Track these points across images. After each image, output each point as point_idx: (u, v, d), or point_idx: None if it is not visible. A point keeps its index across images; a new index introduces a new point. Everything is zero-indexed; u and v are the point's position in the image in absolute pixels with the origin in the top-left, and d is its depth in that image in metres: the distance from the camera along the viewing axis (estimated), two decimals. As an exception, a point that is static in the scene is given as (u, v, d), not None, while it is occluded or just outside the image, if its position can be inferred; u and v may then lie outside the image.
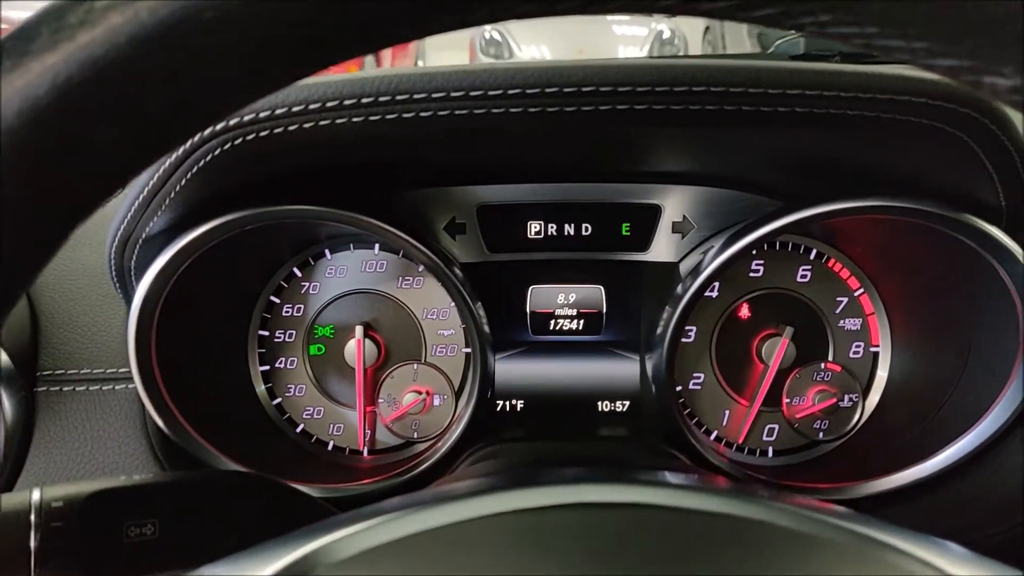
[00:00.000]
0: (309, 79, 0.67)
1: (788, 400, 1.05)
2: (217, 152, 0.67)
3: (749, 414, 1.05)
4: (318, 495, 0.95)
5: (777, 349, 1.03)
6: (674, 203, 1.04)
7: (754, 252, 1.06)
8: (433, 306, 1.07)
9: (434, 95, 0.62)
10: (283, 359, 1.08)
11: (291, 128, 0.65)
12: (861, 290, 1.06)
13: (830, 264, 1.06)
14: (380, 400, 1.07)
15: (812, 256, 1.06)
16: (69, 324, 0.93)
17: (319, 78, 0.66)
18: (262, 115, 0.65)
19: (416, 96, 0.63)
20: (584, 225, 1.06)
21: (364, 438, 1.08)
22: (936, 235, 0.83)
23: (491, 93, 0.62)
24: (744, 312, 1.07)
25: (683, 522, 0.45)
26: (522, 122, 0.65)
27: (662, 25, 9.05)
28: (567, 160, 1.00)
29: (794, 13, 0.34)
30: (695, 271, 0.94)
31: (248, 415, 1.06)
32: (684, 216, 1.04)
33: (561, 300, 1.08)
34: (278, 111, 0.64)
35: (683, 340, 1.07)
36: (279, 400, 1.08)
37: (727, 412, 1.08)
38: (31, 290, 0.95)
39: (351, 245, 1.07)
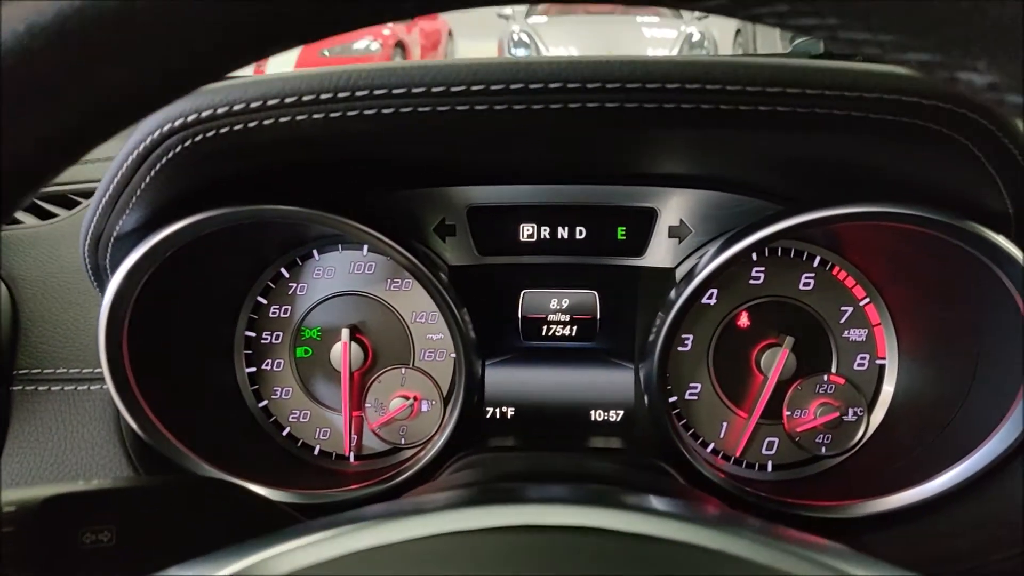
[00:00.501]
0: (269, 75, 0.65)
1: (789, 413, 1.01)
2: (178, 149, 0.65)
3: (747, 427, 1.01)
4: (301, 501, 0.93)
5: (777, 360, 0.99)
6: (671, 207, 1.00)
7: (755, 258, 1.01)
8: (421, 310, 1.05)
9: (395, 91, 0.60)
10: (269, 361, 1.06)
11: (251, 125, 0.63)
12: (867, 299, 1.01)
13: (835, 272, 1.01)
14: (367, 405, 1.05)
15: (816, 263, 1.02)
16: (49, 322, 0.92)
17: (280, 73, 0.64)
18: (220, 111, 0.62)
19: (376, 92, 0.60)
20: (578, 228, 1.03)
21: (350, 443, 1.06)
22: (942, 243, 0.79)
23: (454, 89, 0.60)
24: (743, 321, 1.02)
25: (633, 550, 0.42)
26: (492, 119, 0.62)
27: (691, 27, 8.99)
28: (560, 161, 0.97)
29: (747, 3, 0.31)
30: (689, 276, 0.90)
31: (232, 418, 1.04)
32: (681, 220, 1.00)
33: (554, 305, 1.05)
34: (236, 107, 0.62)
35: (680, 349, 1.03)
36: (265, 403, 1.07)
37: (725, 424, 1.04)
38: (14, 287, 0.94)
39: (339, 246, 1.05)
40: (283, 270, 1.05)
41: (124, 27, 0.28)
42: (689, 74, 0.60)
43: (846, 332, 1.02)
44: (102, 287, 0.86)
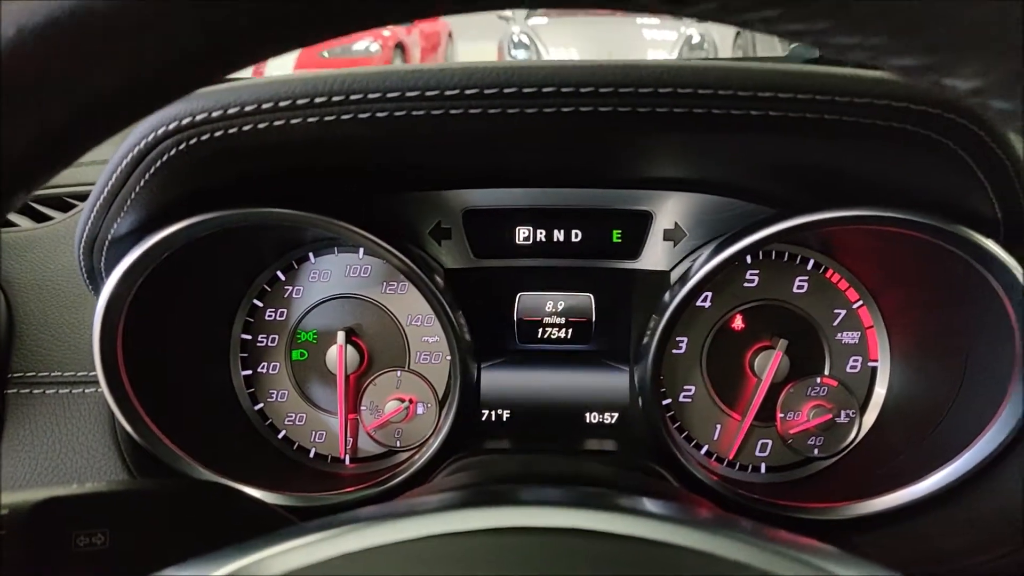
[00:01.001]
0: (264, 78, 0.65)
1: (782, 415, 1.02)
2: (173, 152, 0.66)
3: (741, 429, 1.02)
4: (297, 503, 0.93)
5: (770, 362, 0.99)
6: (666, 210, 1.00)
7: (749, 261, 1.02)
8: (417, 312, 1.05)
9: (389, 95, 0.60)
10: (265, 364, 1.07)
11: (245, 128, 0.63)
12: (860, 302, 1.02)
13: (828, 275, 1.02)
14: (363, 407, 1.05)
15: (809, 266, 1.02)
16: (45, 325, 0.92)
17: (275, 77, 0.64)
18: (215, 115, 0.63)
19: (371, 96, 0.60)
20: (574, 231, 1.03)
21: (346, 446, 1.06)
22: (933, 247, 0.79)
23: (448, 93, 0.60)
24: (737, 323, 1.03)
25: (624, 551, 0.43)
26: (486, 122, 0.63)
27: (691, 30, 9.00)
28: (554, 164, 0.97)
29: (737, 8, 0.32)
30: (683, 279, 0.91)
31: (228, 421, 1.04)
32: (676, 223, 1.00)
33: (549, 308, 1.06)
34: (231, 111, 0.62)
35: (674, 352, 1.03)
36: (261, 406, 1.07)
37: (719, 426, 1.04)
38: (9, 290, 0.94)
39: (335, 249, 1.05)
40: (279, 273, 1.05)
41: (115, 30, 0.28)
42: (681, 78, 0.61)
43: (839, 335, 1.02)
44: (97, 290, 0.86)
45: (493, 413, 1.05)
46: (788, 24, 0.30)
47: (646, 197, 1.00)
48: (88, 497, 0.68)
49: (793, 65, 0.64)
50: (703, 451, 1.05)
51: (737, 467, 1.05)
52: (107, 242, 0.79)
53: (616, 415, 1.05)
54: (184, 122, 0.64)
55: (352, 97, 0.61)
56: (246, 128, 0.63)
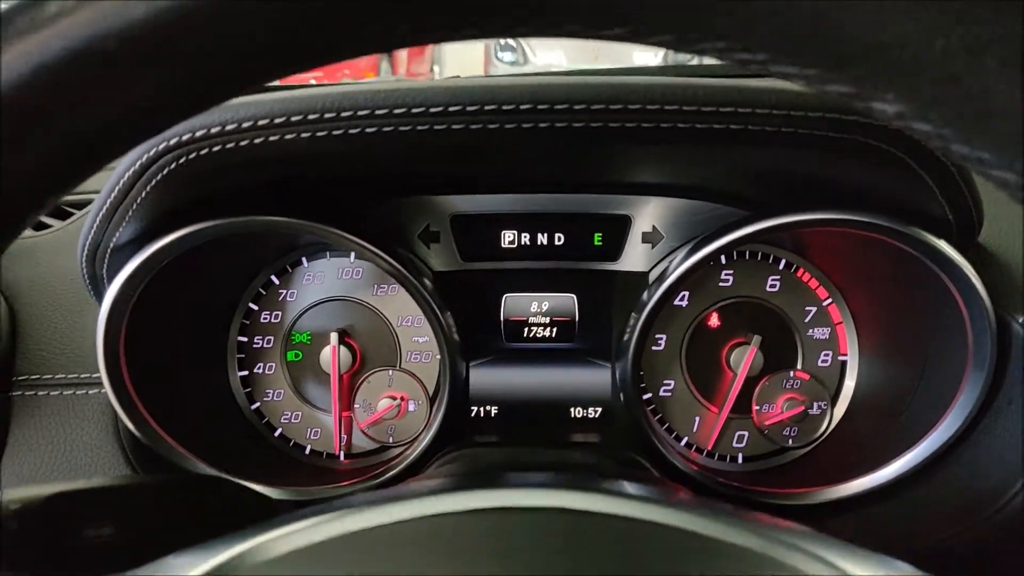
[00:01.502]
0: (255, 96, 0.69)
1: (758, 408, 1.06)
2: (173, 166, 0.70)
3: (718, 421, 1.06)
4: (294, 497, 0.97)
5: (745, 357, 1.04)
6: (645, 214, 1.05)
7: (724, 261, 1.07)
8: (408, 313, 1.09)
9: (378, 111, 0.64)
10: (261, 365, 1.11)
11: (242, 143, 0.67)
12: (830, 300, 1.07)
13: (799, 274, 1.07)
14: (356, 405, 1.09)
15: (782, 266, 1.07)
16: (48, 329, 0.95)
17: (269, 95, 0.68)
18: (213, 131, 0.67)
19: (360, 113, 0.65)
20: (557, 235, 1.08)
21: (340, 443, 1.10)
22: (895, 248, 0.84)
23: (432, 110, 0.64)
24: (714, 321, 1.08)
25: (605, 530, 0.45)
26: (468, 137, 0.67)
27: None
28: (538, 172, 1.01)
29: (689, 39, 0.35)
30: (660, 278, 0.95)
31: (227, 419, 1.08)
32: (654, 226, 1.05)
33: (535, 308, 1.10)
34: (228, 127, 0.66)
35: (654, 348, 1.08)
36: (257, 405, 1.11)
37: (697, 419, 1.09)
38: (12, 295, 0.98)
39: (327, 253, 1.09)
40: (273, 277, 1.09)
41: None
42: (650, 96, 0.65)
43: (810, 331, 1.07)
44: (99, 296, 0.90)
45: (482, 409, 1.09)
46: (735, 54, 0.34)
47: (626, 202, 1.05)
48: (95, 491, 0.71)
49: (753, 82, 0.68)
50: (683, 442, 1.09)
51: (716, 457, 1.09)
52: (109, 250, 0.83)
53: (600, 409, 1.09)
54: (184, 138, 0.68)
55: (343, 114, 0.65)
56: (243, 143, 0.67)
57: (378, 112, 0.64)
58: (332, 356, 1.07)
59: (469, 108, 0.64)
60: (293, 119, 0.66)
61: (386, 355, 1.10)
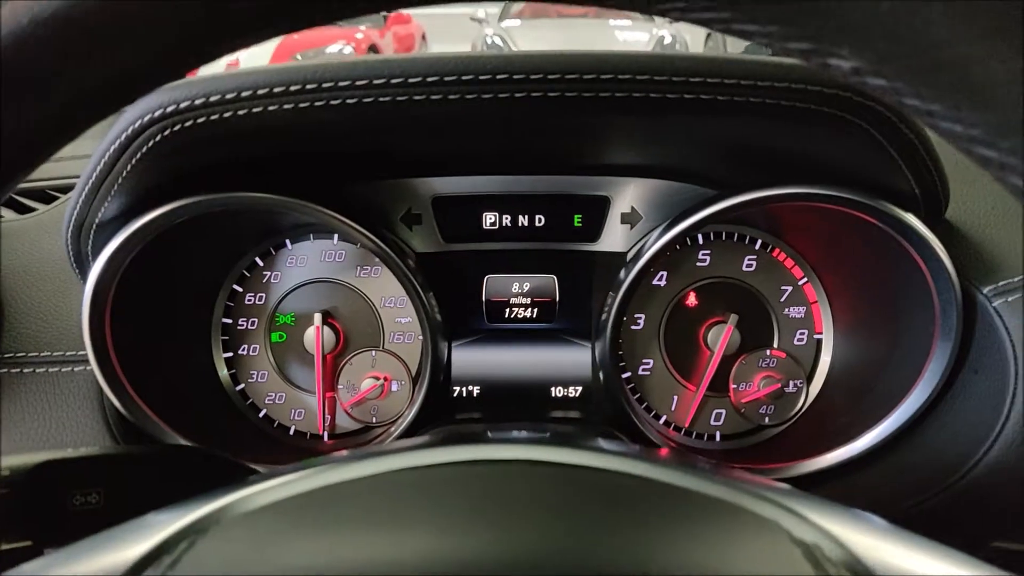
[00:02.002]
0: (244, 69, 0.71)
1: (735, 386, 1.09)
2: (157, 138, 0.71)
3: (696, 399, 1.09)
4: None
5: (722, 336, 1.06)
6: (623, 195, 1.07)
7: (700, 242, 1.09)
8: (390, 295, 1.11)
9: (358, 82, 0.66)
10: (246, 346, 1.12)
11: (226, 115, 0.69)
12: (805, 279, 1.09)
13: (775, 254, 1.09)
14: (339, 386, 1.11)
15: (758, 246, 1.09)
16: (33, 308, 0.96)
17: (254, 68, 0.70)
18: (197, 103, 0.68)
19: (341, 84, 0.66)
20: (537, 216, 1.09)
21: (324, 423, 1.11)
22: (866, 225, 0.87)
23: (411, 80, 0.66)
24: (691, 300, 1.10)
25: (583, 481, 0.46)
26: (446, 108, 0.69)
27: (664, 31, 9.12)
28: (518, 151, 1.03)
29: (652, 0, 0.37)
30: (635, 257, 0.97)
31: (211, 400, 1.09)
32: (632, 207, 1.07)
33: (516, 289, 1.12)
34: (212, 98, 0.68)
35: (633, 328, 1.10)
36: (242, 386, 1.12)
37: (676, 397, 1.11)
38: (-3, 276, 0.99)
39: (311, 235, 1.10)
40: (257, 259, 1.10)
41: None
42: (623, 66, 0.67)
43: (786, 310, 1.09)
44: (84, 274, 0.91)
45: (464, 389, 1.11)
46: (699, 13, 0.36)
47: (605, 183, 1.07)
48: (83, 460, 0.73)
49: (722, 55, 0.70)
50: (661, 420, 1.11)
51: (693, 436, 1.11)
52: (94, 226, 0.84)
53: (580, 388, 1.11)
54: (168, 110, 0.69)
55: (324, 85, 0.66)
56: (226, 115, 0.69)
57: (358, 83, 0.66)
58: (316, 337, 1.09)
59: (447, 79, 0.66)
60: (276, 90, 0.67)
61: (369, 336, 1.12)
